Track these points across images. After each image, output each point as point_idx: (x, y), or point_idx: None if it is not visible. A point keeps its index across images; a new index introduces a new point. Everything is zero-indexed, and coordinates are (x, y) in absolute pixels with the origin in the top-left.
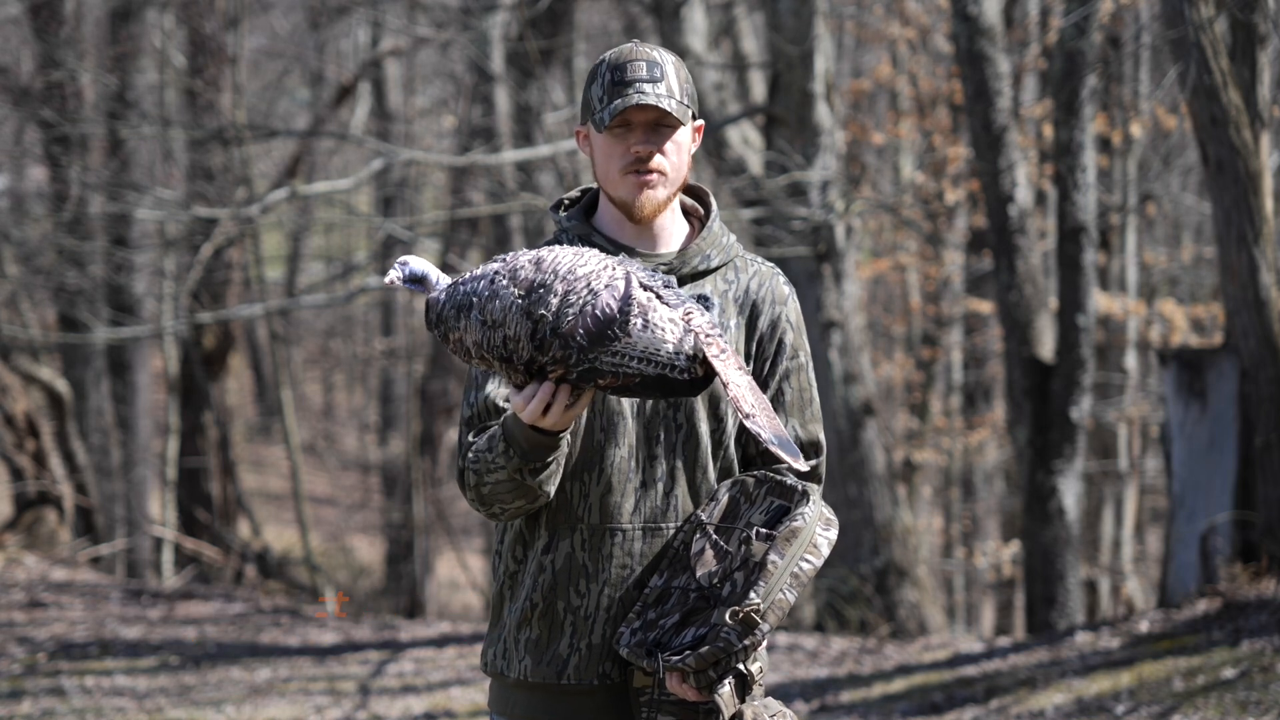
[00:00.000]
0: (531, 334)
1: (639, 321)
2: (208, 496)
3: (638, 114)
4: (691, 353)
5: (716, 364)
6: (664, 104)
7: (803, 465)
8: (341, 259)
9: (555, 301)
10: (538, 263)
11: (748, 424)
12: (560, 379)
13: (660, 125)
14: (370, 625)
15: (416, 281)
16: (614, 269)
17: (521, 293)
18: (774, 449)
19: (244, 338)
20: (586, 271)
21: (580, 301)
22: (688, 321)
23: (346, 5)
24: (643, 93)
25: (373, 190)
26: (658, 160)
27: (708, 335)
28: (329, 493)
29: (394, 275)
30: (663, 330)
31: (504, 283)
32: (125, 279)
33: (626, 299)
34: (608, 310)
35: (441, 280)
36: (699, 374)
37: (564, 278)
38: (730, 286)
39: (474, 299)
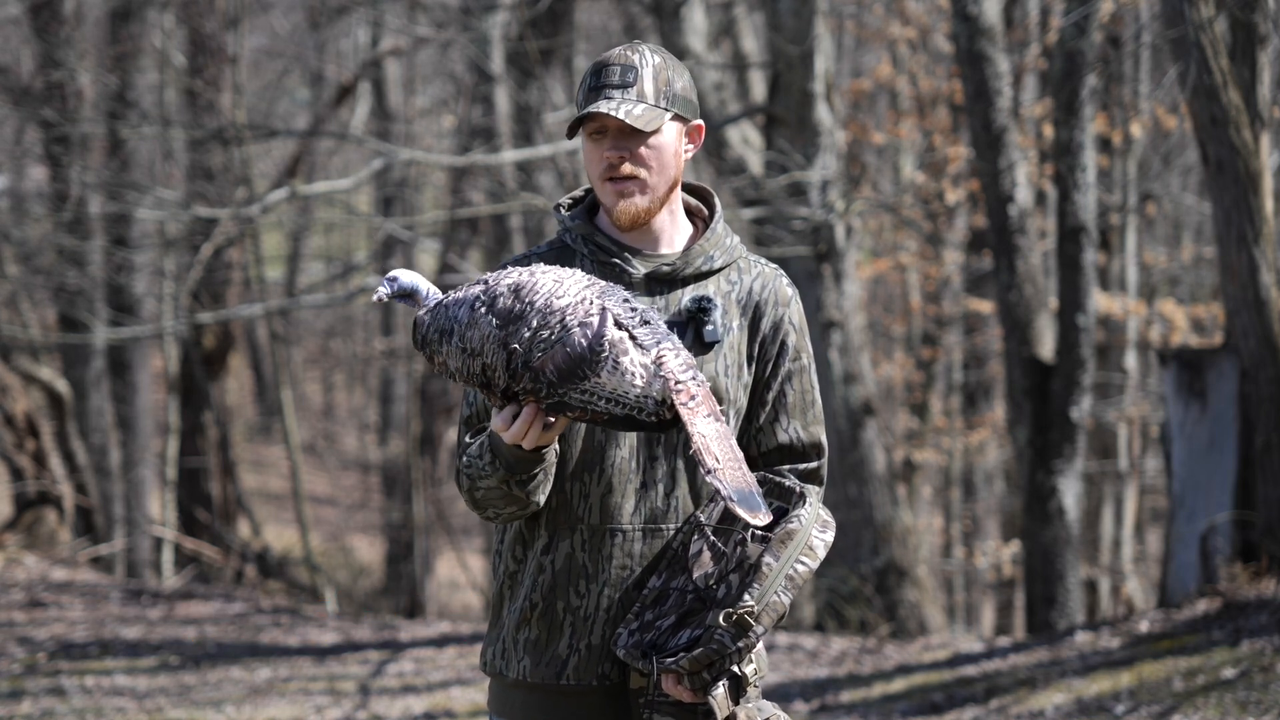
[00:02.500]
0: (506, 363)
1: (609, 364)
2: (208, 496)
3: (609, 119)
4: (659, 398)
5: (683, 412)
6: (619, 111)
7: (763, 520)
8: (341, 259)
9: (528, 335)
10: (517, 290)
11: (709, 479)
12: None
13: (634, 130)
14: (370, 625)
15: (406, 296)
16: (591, 303)
17: (499, 322)
18: (733, 506)
19: (244, 338)
20: (562, 305)
21: (553, 337)
22: (659, 365)
23: (346, 5)
24: (607, 98)
25: (373, 190)
26: (628, 167)
27: (678, 382)
28: (329, 493)
29: (382, 292)
30: (632, 375)
31: (483, 310)
32: (125, 279)
33: (598, 339)
34: (578, 349)
35: (431, 293)
36: (667, 417)
37: (539, 310)
38: (733, 288)
39: (455, 325)
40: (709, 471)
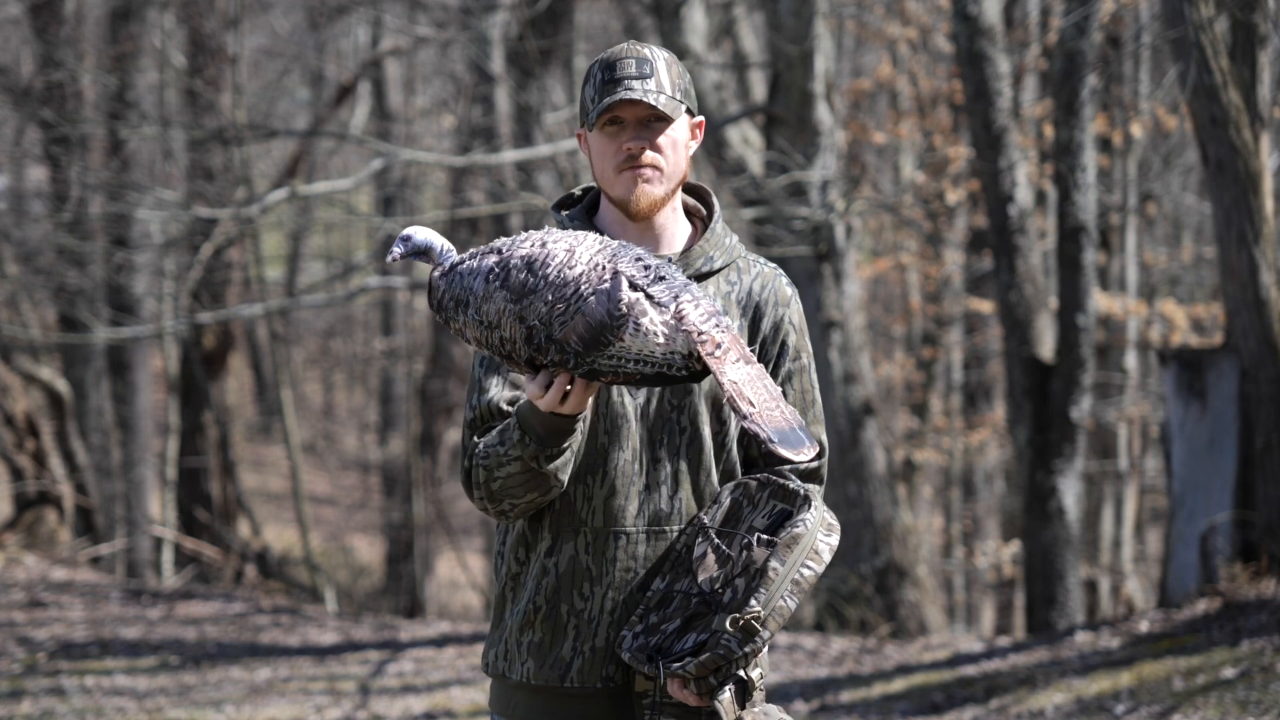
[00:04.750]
0: (527, 338)
1: (630, 326)
2: (208, 496)
3: (628, 111)
4: (685, 351)
5: (711, 363)
6: (650, 99)
7: (808, 454)
8: (341, 259)
9: (544, 309)
10: (530, 263)
11: (745, 425)
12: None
13: (652, 121)
14: (370, 625)
15: (421, 254)
16: (603, 268)
17: (513, 297)
18: (774, 448)
19: (244, 338)
20: (575, 275)
21: (570, 309)
22: (680, 320)
23: (346, 5)
24: (630, 89)
25: (373, 190)
26: (650, 156)
27: (700, 334)
28: (329, 493)
29: (396, 251)
30: (654, 333)
31: (497, 285)
32: (125, 279)
33: (615, 304)
34: (597, 316)
35: (446, 250)
36: (697, 369)
37: (553, 284)
38: (733, 288)
39: (470, 297)
40: (744, 417)
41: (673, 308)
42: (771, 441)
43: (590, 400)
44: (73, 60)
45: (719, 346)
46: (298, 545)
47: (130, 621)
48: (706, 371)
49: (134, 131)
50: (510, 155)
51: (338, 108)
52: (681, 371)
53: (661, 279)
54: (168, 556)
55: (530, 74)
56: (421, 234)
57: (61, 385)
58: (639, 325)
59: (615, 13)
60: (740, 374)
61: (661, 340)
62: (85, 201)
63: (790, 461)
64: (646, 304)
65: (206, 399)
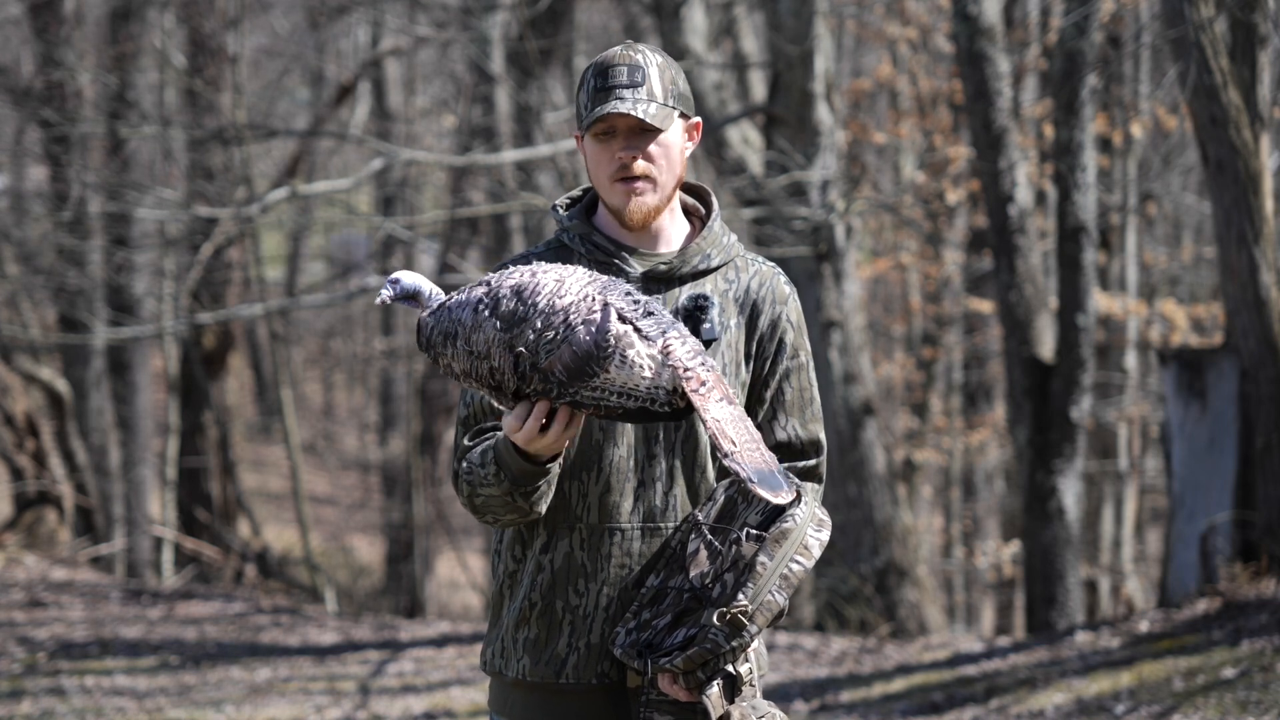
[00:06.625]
0: (514, 366)
1: (616, 358)
2: (208, 496)
3: (619, 120)
4: (670, 387)
5: (695, 399)
6: (638, 110)
7: (785, 498)
8: (342, 259)
9: (532, 337)
10: (519, 292)
11: (726, 463)
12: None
13: (644, 130)
14: (370, 625)
15: (409, 298)
16: (593, 299)
17: (503, 325)
18: (754, 488)
19: (244, 338)
20: (565, 304)
21: (557, 337)
22: (666, 355)
23: (346, 5)
24: (620, 99)
25: (373, 190)
26: (642, 165)
27: (686, 369)
28: (329, 493)
29: (385, 294)
30: (640, 367)
31: (486, 314)
32: (125, 279)
33: (603, 334)
34: (584, 347)
35: (435, 295)
36: (680, 406)
37: (543, 311)
38: (731, 286)
39: (459, 328)
40: (726, 455)
41: (660, 342)
42: (751, 481)
43: (567, 441)
44: (73, 60)
45: (704, 384)
46: (298, 545)
47: (130, 621)
48: (689, 409)
49: (134, 131)
50: (510, 155)
51: (338, 108)
52: (665, 408)
53: (650, 314)
54: (168, 556)
55: (530, 74)
56: (410, 278)
57: (61, 385)
58: (625, 357)
59: (615, 13)
60: (723, 413)
61: (648, 374)
62: (85, 201)
63: (769, 503)
64: (634, 337)
65: (206, 399)
